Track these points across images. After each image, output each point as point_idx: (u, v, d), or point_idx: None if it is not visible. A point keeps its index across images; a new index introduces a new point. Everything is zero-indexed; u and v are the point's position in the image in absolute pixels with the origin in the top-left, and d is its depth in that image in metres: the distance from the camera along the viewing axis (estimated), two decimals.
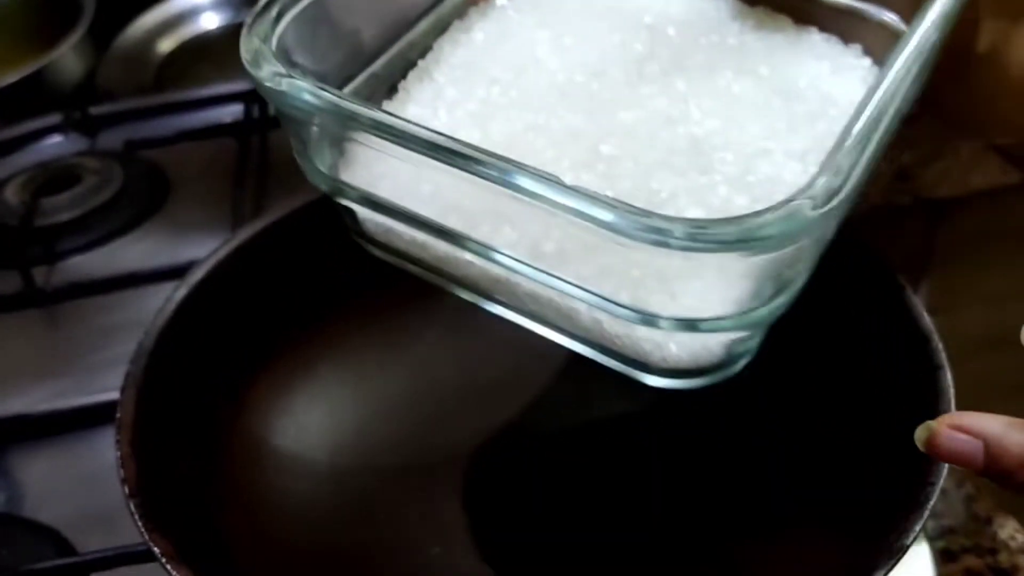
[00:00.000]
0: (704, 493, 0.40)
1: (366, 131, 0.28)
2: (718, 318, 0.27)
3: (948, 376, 0.36)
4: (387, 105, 0.35)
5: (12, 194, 0.70)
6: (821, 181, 0.25)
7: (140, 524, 0.34)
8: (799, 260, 0.27)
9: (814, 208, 0.24)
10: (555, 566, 0.38)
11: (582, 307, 0.29)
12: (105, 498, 0.49)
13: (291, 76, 0.29)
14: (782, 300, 0.28)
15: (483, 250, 0.30)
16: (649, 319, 0.28)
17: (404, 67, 0.36)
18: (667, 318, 0.27)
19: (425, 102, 0.34)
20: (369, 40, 0.36)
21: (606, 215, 0.25)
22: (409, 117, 0.32)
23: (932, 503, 0.32)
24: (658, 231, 0.24)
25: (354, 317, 0.49)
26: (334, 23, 0.34)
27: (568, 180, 0.29)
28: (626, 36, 0.35)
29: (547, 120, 0.32)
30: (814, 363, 0.41)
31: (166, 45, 0.92)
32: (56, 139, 0.81)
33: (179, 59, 0.92)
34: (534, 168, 0.26)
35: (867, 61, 0.35)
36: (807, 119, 0.32)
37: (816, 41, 0.36)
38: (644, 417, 0.41)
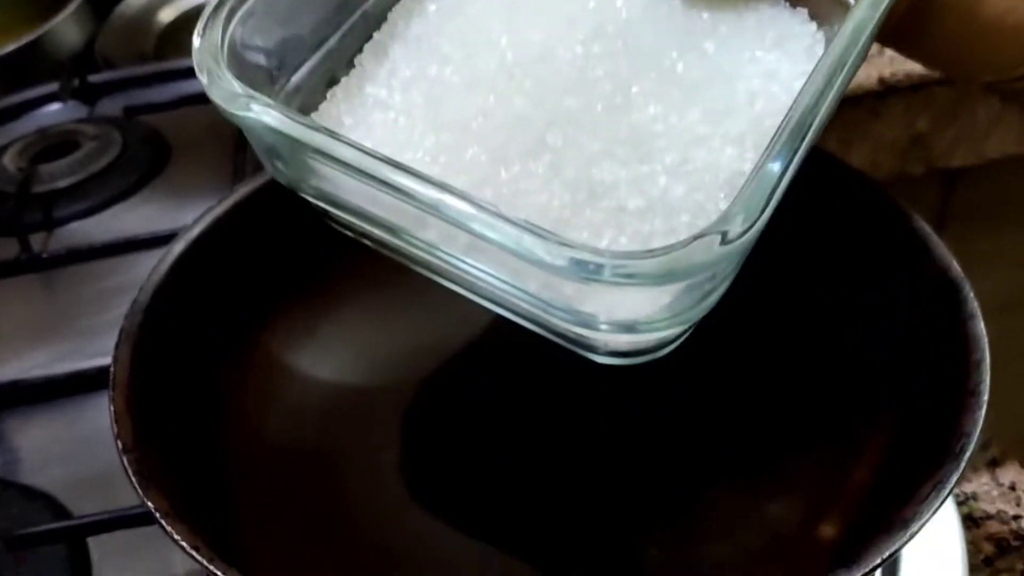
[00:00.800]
0: (720, 446, 0.39)
1: (315, 158, 0.29)
2: (653, 320, 0.28)
3: (981, 324, 0.34)
4: (344, 82, 0.35)
5: (9, 160, 0.69)
6: (736, 219, 0.25)
7: (135, 480, 0.32)
8: (728, 266, 0.28)
9: (723, 243, 0.25)
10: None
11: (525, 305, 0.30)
12: (102, 464, 0.48)
13: (249, 97, 0.29)
14: (715, 297, 0.29)
15: (430, 249, 0.31)
16: (588, 322, 0.29)
17: (361, 40, 0.36)
18: (605, 322, 0.28)
19: (380, 80, 0.34)
20: (325, 15, 0.36)
21: (533, 253, 0.26)
22: (366, 96, 0.33)
23: (969, 455, 0.30)
24: (582, 267, 0.25)
25: (357, 275, 0.47)
26: (287, 6, 0.34)
27: (517, 169, 0.30)
28: (575, 10, 0.35)
29: (496, 104, 0.32)
30: (841, 315, 0.40)
31: (167, 15, 0.91)
32: (55, 107, 0.80)
33: (180, 29, 0.90)
34: (463, 195, 0.27)
35: (812, 27, 0.34)
36: (747, 98, 0.32)
37: (763, 9, 0.35)
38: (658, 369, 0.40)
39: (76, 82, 0.79)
